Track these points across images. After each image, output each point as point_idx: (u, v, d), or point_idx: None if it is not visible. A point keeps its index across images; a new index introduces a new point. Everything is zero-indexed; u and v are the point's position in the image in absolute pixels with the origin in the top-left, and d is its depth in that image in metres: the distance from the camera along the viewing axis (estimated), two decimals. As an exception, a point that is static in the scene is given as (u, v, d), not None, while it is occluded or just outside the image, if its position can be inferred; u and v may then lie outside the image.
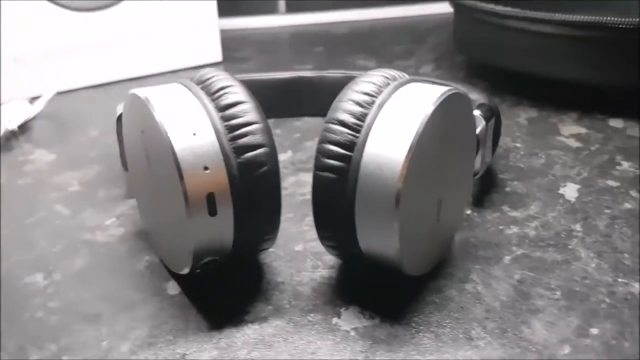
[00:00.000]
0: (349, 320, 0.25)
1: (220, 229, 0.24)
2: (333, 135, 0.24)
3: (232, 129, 0.24)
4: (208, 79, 0.26)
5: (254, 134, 0.24)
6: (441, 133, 0.25)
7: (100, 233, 0.31)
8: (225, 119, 0.25)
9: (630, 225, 0.31)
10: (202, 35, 0.58)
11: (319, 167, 0.24)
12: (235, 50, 0.64)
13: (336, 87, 0.45)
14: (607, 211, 0.32)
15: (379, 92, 0.25)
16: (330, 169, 0.24)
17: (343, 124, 0.24)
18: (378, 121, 0.24)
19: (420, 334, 0.24)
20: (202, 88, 0.26)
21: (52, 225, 0.32)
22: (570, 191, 0.35)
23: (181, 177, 0.23)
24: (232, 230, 0.25)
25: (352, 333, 0.24)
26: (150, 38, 0.55)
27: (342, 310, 0.25)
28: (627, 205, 0.33)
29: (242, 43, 0.67)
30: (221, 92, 0.25)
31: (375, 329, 0.24)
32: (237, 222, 0.25)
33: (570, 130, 0.43)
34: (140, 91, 0.26)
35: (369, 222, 0.24)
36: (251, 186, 0.24)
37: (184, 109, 0.25)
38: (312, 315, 0.25)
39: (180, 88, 0.26)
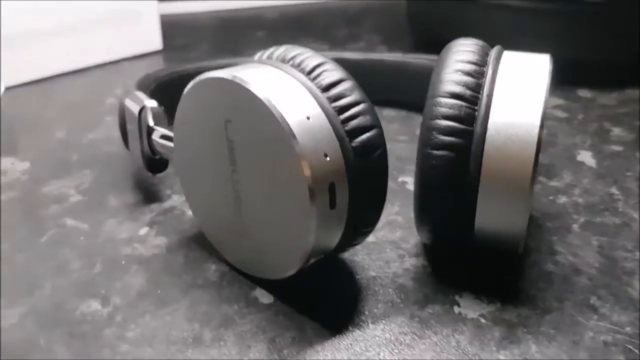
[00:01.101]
0: (471, 307, 0.24)
1: (335, 223, 0.22)
2: (447, 110, 0.23)
3: (341, 110, 0.22)
4: (294, 56, 0.23)
5: (364, 114, 0.22)
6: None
7: (139, 245, 0.27)
8: (332, 99, 0.22)
9: (660, 185, 0.33)
10: (141, 22, 0.52)
11: (433, 145, 0.22)
12: (170, 38, 0.58)
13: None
14: (629, 174, 0.34)
15: (484, 62, 0.24)
16: (449, 146, 0.22)
17: (457, 96, 0.23)
18: (497, 91, 0.23)
19: (549, 311, 0.23)
20: (293, 67, 0.23)
21: (75, 242, 0.27)
22: (587, 158, 0.36)
23: (304, 167, 0.20)
24: (343, 224, 0.22)
25: (483, 320, 0.23)
26: (87, 28, 0.49)
27: (457, 298, 0.24)
28: (643, 167, 0.35)
29: (173, 30, 0.62)
30: (317, 70, 0.23)
31: (502, 313, 0.23)
32: (350, 214, 0.22)
33: (549, 101, 0.44)
34: (227, 75, 0.22)
35: (496, 200, 0.23)
36: (366, 172, 0.22)
37: (288, 91, 0.22)
38: (430, 307, 0.24)
39: (270, 69, 0.23)
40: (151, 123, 0.28)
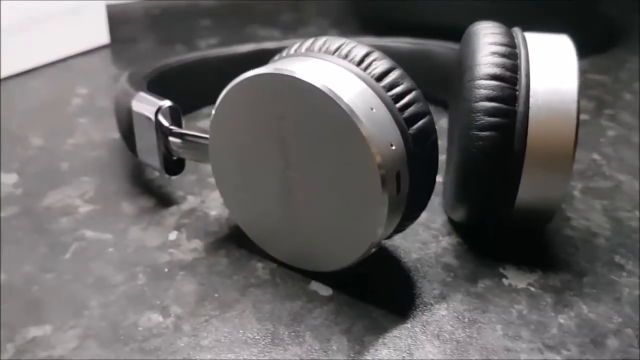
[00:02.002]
0: (517, 278, 0.25)
1: (398, 210, 0.22)
2: (490, 92, 0.23)
3: (397, 98, 0.22)
4: (340, 47, 0.23)
5: (418, 101, 0.22)
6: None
7: (176, 251, 0.26)
8: (387, 88, 0.22)
9: None
10: (86, 17, 0.49)
11: (480, 127, 0.23)
12: (113, 30, 0.55)
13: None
14: (602, 139, 0.37)
15: (514, 43, 0.25)
16: (495, 126, 0.23)
17: (498, 77, 0.24)
18: (533, 71, 0.24)
19: (584, 274, 0.25)
20: (342, 58, 0.23)
21: (104, 254, 0.26)
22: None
23: (376, 158, 0.20)
24: (403, 210, 0.23)
25: (532, 289, 0.24)
26: (31, 28, 0.45)
27: (502, 270, 0.25)
28: None
29: (114, 22, 0.58)
30: (367, 60, 0.23)
31: (546, 280, 0.25)
32: (408, 201, 0.23)
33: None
34: (280, 70, 0.22)
35: (539, 176, 0.24)
36: (423, 159, 0.23)
37: (347, 84, 0.22)
38: (481, 282, 0.25)
39: (321, 62, 0.23)
40: (166, 124, 0.27)
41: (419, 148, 0.22)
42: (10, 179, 0.31)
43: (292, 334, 0.22)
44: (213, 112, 0.24)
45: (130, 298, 0.23)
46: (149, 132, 0.28)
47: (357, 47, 0.23)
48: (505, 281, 0.25)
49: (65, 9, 0.47)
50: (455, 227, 0.28)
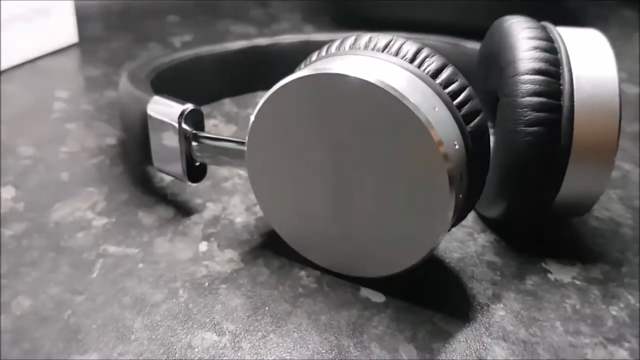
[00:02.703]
0: (561, 273, 0.25)
1: (456, 213, 0.22)
2: (537, 87, 0.23)
3: (453, 95, 0.22)
4: (389, 44, 0.22)
5: (473, 98, 0.22)
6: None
7: (211, 263, 0.24)
8: (443, 85, 0.22)
9: None
10: (53, 16, 0.46)
11: (528, 122, 0.23)
12: (79, 29, 0.52)
13: (293, 56, 0.42)
14: None
15: (550, 37, 0.25)
16: (542, 122, 0.23)
17: (543, 72, 0.23)
18: (574, 65, 0.24)
19: (620, 264, 0.26)
20: (393, 55, 0.22)
21: (136, 271, 0.24)
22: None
23: (444, 157, 0.20)
24: (458, 212, 0.22)
25: (578, 282, 0.25)
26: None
27: (544, 265, 0.25)
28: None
29: (77, 20, 0.55)
30: (419, 56, 0.22)
31: (588, 273, 0.25)
32: (466, 200, 0.22)
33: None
34: (334, 70, 0.21)
35: (583, 169, 0.24)
36: (479, 157, 0.22)
37: (407, 83, 0.21)
38: (528, 279, 0.25)
39: (375, 61, 0.22)
40: (190, 128, 0.26)
41: (476, 146, 0.22)
42: (7, 192, 0.28)
43: (358, 345, 0.21)
44: (253, 116, 0.23)
45: (176, 317, 0.22)
46: (168, 138, 0.26)
47: (408, 43, 0.22)
48: (550, 276, 0.25)
49: (32, 9, 0.44)
50: (488, 224, 0.28)
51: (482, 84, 0.28)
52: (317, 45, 0.25)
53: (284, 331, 0.21)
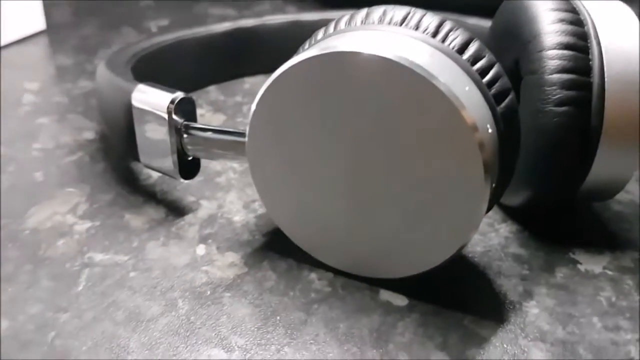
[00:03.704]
0: (591, 262, 0.23)
1: (490, 198, 0.20)
2: (566, 62, 0.21)
3: (482, 73, 0.19)
4: (407, 17, 0.20)
5: (502, 75, 0.20)
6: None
7: (211, 268, 0.22)
8: (471, 62, 0.19)
9: None
10: (19, 1, 0.42)
11: (557, 101, 0.21)
12: (45, 15, 0.49)
13: (282, 37, 0.39)
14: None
15: (574, 8, 0.23)
16: (572, 100, 0.21)
17: (570, 46, 0.21)
18: (603, 38, 0.22)
19: (654, 251, 0.24)
20: (413, 29, 0.19)
21: (126, 281, 0.21)
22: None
23: (478, 143, 0.18)
24: (488, 201, 0.20)
25: (610, 272, 0.23)
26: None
27: (572, 255, 0.23)
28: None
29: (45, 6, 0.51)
30: (442, 30, 0.20)
31: (619, 261, 0.23)
32: (497, 189, 0.20)
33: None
34: (348, 48, 0.18)
35: (614, 151, 0.22)
36: (511, 140, 0.20)
37: (432, 60, 0.18)
38: (558, 271, 0.23)
39: (389, 35, 0.19)
40: (181, 119, 0.23)
41: (508, 129, 0.20)
42: (-23, 197, 0.25)
43: (385, 355, 0.19)
44: (254, 105, 0.20)
45: (177, 332, 0.19)
46: (156, 130, 0.23)
47: (428, 16, 0.20)
48: (580, 267, 0.23)
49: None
50: (507, 213, 0.26)
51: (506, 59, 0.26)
52: (308, 26, 0.23)
53: (299, 343, 0.19)
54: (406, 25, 0.20)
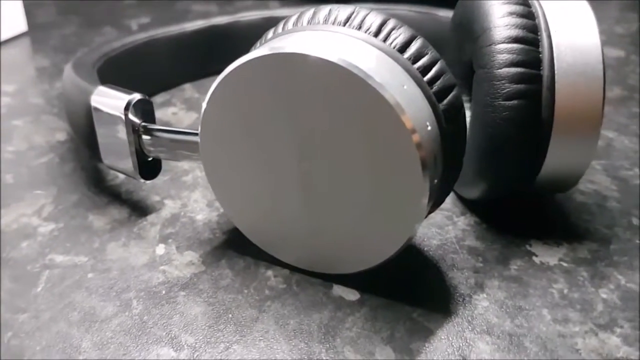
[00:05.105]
0: (546, 254, 0.23)
1: (431, 199, 0.20)
2: (514, 56, 0.21)
3: (424, 71, 0.20)
4: (350, 17, 0.20)
5: (445, 72, 0.20)
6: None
7: (169, 268, 0.22)
8: (412, 60, 0.20)
9: None
10: (-4, 0, 0.43)
11: (506, 95, 0.21)
12: (27, 16, 0.49)
13: (256, 34, 0.39)
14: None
15: (527, 1, 0.23)
16: (522, 94, 0.21)
17: (519, 39, 0.21)
18: (554, 30, 0.22)
19: (609, 241, 0.24)
20: (355, 29, 0.20)
21: (85, 282, 0.22)
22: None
23: (415, 140, 0.18)
24: (434, 198, 0.20)
25: (565, 264, 0.23)
26: None
27: (528, 247, 0.24)
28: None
29: (27, 7, 0.52)
30: (384, 29, 0.20)
31: (575, 253, 0.23)
32: (442, 184, 0.20)
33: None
34: (288, 48, 0.18)
35: (567, 143, 0.22)
36: (455, 137, 0.20)
37: (372, 59, 0.19)
38: (513, 263, 0.23)
39: (331, 35, 0.19)
40: (138, 120, 0.23)
41: (451, 126, 0.20)
42: (-55, 201, 0.26)
43: (330, 350, 0.19)
44: (205, 103, 0.21)
45: (129, 332, 0.20)
46: (115, 132, 0.24)
47: (372, 15, 0.20)
48: (536, 259, 0.23)
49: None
50: (467, 205, 0.26)
51: (457, 55, 0.26)
52: (282, 22, 0.23)
53: (248, 340, 0.19)
54: (349, 25, 0.20)
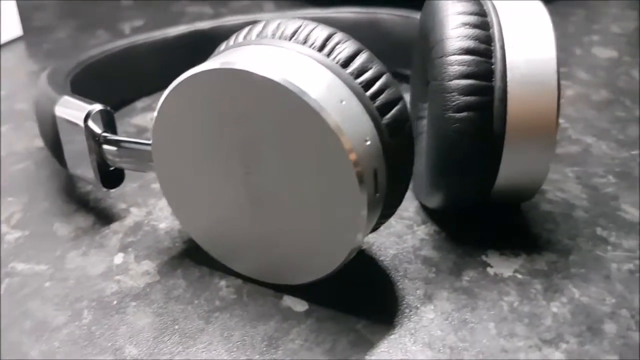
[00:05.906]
0: (502, 266, 0.23)
1: (377, 208, 0.20)
2: (465, 68, 0.21)
3: (367, 85, 0.20)
4: (296, 31, 0.20)
5: (389, 86, 0.20)
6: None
7: (124, 277, 0.23)
8: (355, 75, 0.20)
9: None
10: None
11: (456, 107, 0.21)
12: (23, 20, 0.50)
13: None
14: (562, 100, 0.36)
15: (483, 11, 0.22)
16: (472, 106, 0.21)
17: (472, 51, 0.21)
18: (508, 41, 0.22)
19: (569, 252, 0.24)
20: (300, 44, 0.20)
21: (41, 291, 0.22)
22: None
23: (351, 156, 0.18)
24: (380, 209, 0.20)
25: (520, 276, 0.23)
26: None
27: (484, 258, 0.24)
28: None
29: (21, 10, 0.53)
30: (329, 44, 0.20)
31: (532, 264, 0.23)
32: (386, 198, 0.20)
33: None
34: (232, 65, 0.19)
35: (521, 154, 0.22)
36: (399, 150, 0.20)
37: (311, 74, 0.19)
38: (465, 274, 0.23)
39: (279, 51, 0.20)
40: (99, 130, 0.24)
41: (394, 139, 0.20)
42: None
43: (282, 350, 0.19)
44: (155, 114, 0.21)
45: (76, 342, 0.20)
46: (78, 141, 0.24)
47: (317, 30, 0.20)
48: (490, 270, 0.23)
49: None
50: (429, 214, 0.26)
51: (421, 65, 0.26)
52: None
53: (190, 352, 0.20)
54: (295, 39, 0.20)
